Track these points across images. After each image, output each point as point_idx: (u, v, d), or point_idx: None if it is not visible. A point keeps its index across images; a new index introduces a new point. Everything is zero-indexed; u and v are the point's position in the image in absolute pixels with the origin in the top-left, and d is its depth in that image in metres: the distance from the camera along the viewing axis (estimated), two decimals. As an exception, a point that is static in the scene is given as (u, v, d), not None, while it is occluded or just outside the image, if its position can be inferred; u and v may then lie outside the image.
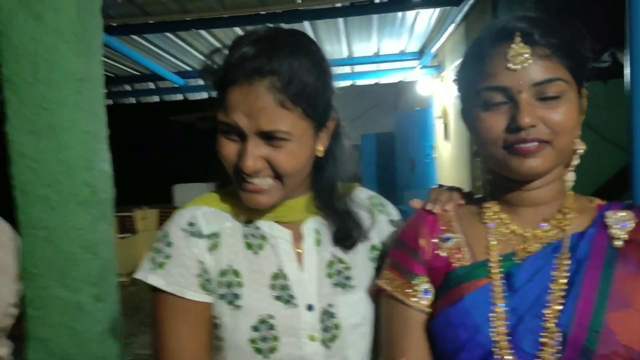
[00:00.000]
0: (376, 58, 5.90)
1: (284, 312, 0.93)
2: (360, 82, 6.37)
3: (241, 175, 0.91)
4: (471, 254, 0.90)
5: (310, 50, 0.92)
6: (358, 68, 6.21)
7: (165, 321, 0.92)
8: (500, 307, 0.83)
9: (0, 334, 1.39)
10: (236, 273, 0.94)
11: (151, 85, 6.49)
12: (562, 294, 0.81)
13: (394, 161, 7.23)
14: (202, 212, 0.97)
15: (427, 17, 4.56)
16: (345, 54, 5.61)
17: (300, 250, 0.99)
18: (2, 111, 1.78)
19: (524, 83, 0.82)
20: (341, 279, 0.99)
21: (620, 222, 0.85)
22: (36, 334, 1.83)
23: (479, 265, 0.88)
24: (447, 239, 0.93)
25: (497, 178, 0.92)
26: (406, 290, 0.92)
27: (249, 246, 0.97)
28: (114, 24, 3.91)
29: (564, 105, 0.83)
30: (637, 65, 1.36)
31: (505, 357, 0.81)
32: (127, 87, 6.48)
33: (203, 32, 4.49)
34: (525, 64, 0.82)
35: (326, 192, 1.01)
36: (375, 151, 7.96)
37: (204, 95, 6.63)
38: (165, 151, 10.65)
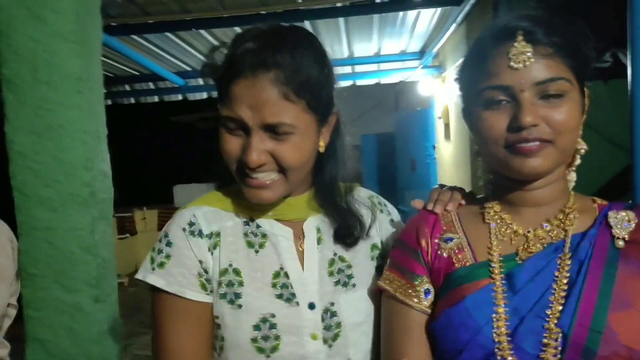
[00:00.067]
0: (377, 58, 5.90)
1: (286, 310, 0.93)
2: (360, 82, 6.36)
3: (244, 170, 0.90)
4: (472, 254, 0.90)
5: (312, 45, 0.92)
6: (359, 68, 6.21)
7: (165, 321, 0.91)
8: (502, 308, 0.83)
9: (-2, 334, 1.39)
10: (237, 272, 0.94)
11: (151, 86, 6.48)
12: (564, 294, 0.81)
13: (395, 161, 7.23)
14: (202, 211, 0.96)
15: (428, 17, 4.56)
16: (346, 54, 5.61)
17: (301, 249, 0.99)
18: (2, 111, 1.78)
19: (526, 82, 0.81)
20: (343, 278, 0.99)
21: (622, 223, 0.85)
22: (35, 335, 1.83)
23: (480, 266, 0.88)
24: (449, 239, 0.93)
25: (499, 178, 0.92)
26: (407, 291, 0.91)
27: (250, 245, 0.97)
28: (113, 24, 3.91)
29: (566, 104, 0.82)
30: (639, 65, 1.36)
31: (507, 357, 0.80)
32: (127, 87, 6.48)
33: (203, 32, 4.48)
34: (527, 63, 0.81)
35: (327, 189, 1.01)
36: (375, 151, 7.97)
37: (204, 95, 6.62)
38: (165, 151, 10.65)
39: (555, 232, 0.87)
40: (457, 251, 0.91)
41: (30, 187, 1.79)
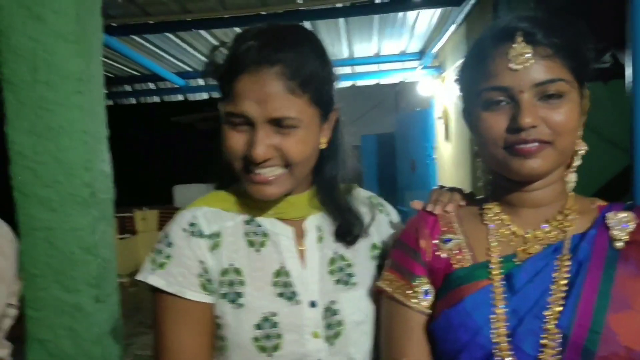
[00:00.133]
0: (377, 58, 5.90)
1: (287, 309, 0.93)
2: (360, 82, 6.36)
3: (248, 167, 0.91)
4: (472, 255, 0.90)
5: (313, 41, 0.94)
6: (359, 68, 6.21)
7: (166, 322, 0.92)
8: (501, 309, 0.83)
9: (-1, 334, 1.38)
10: (238, 271, 0.94)
11: (151, 86, 6.48)
12: (563, 295, 0.81)
13: (395, 162, 7.23)
14: (202, 212, 0.97)
15: (427, 17, 4.56)
16: (346, 54, 5.61)
17: (302, 247, 0.99)
18: (2, 112, 1.78)
19: (525, 83, 0.81)
20: (343, 276, 0.99)
21: (621, 224, 0.85)
22: (36, 335, 1.83)
23: (480, 267, 0.88)
24: (448, 240, 0.93)
25: (498, 179, 0.92)
26: (406, 292, 0.91)
27: (251, 244, 0.97)
28: (114, 24, 3.91)
29: (565, 105, 0.82)
30: (639, 66, 1.36)
31: (506, 358, 0.80)
32: (127, 88, 6.48)
33: (203, 33, 4.48)
34: (526, 64, 0.81)
35: (328, 187, 1.02)
36: (375, 152, 7.97)
37: (204, 96, 6.63)
38: (166, 152, 10.67)
39: (554, 233, 0.87)
40: (456, 252, 0.91)
41: (31, 188, 1.79)
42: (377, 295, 0.99)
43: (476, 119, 0.88)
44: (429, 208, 0.98)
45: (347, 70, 6.16)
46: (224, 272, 0.93)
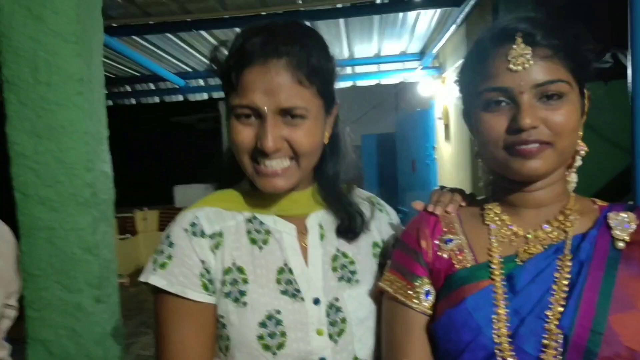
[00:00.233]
0: (377, 59, 5.90)
1: (291, 306, 0.93)
2: (361, 83, 6.35)
3: (256, 160, 0.92)
4: (473, 256, 0.90)
5: (316, 35, 0.96)
6: (359, 69, 6.21)
7: (168, 323, 0.91)
8: (502, 309, 0.83)
9: (-2, 335, 1.38)
10: (240, 270, 0.94)
11: (151, 86, 6.48)
12: (564, 295, 0.81)
13: (395, 162, 7.23)
14: (204, 212, 0.97)
15: (428, 18, 4.56)
16: (346, 54, 5.61)
17: (304, 245, 0.99)
18: (3, 112, 1.78)
19: (525, 84, 0.81)
20: (346, 274, 1.00)
21: (622, 224, 0.85)
22: (36, 335, 1.84)
23: (481, 267, 0.88)
24: (449, 241, 0.93)
25: (499, 179, 0.92)
26: (408, 292, 0.91)
27: (254, 242, 0.97)
28: (114, 25, 3.91)
29: (565, 106, 0.82)
30: (639, 66, 1.36)
31: (507, 358, 0.80)
32: (128, 88, 6.48)
33: (204, 33, 4.48)
34: (526, 65, 0.81)
35: (330, 182, 1.03)
36: (376, 152, 7.97)
37: (204, 96, 6.62)
38: (166, 152, 10.67)
39: (555, 233, 0.87)
40: (457, 252, 0.91)
41: (32, 188, 1.79)
42: (379, 294, 0.99)
43: (476, 119, 0.88)
44: (430, 208, 0.98)
45: (347, 70, 6.15)
46: (227, 271, 0.93)
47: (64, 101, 1.77)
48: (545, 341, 0.79)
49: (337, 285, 0.98)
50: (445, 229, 0.95)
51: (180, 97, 6.58)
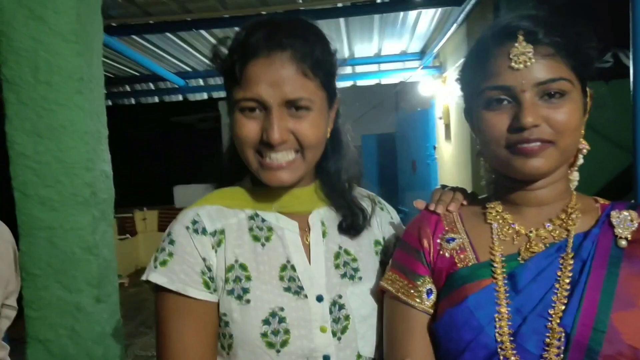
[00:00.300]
0: (377, 58, 5.89)
1: (294, 303, 0.93)
2: (361, 82, 6.35)
3: (261, 154, 0.92)
4: (474, 255, 0.90)
5: (317, 30, 0.97)
6: (359, 68, 6.20)
7: (168, 320, 0.91)
8: (504, 308, 0.83)
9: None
10: (243, 267, 0.94)
11: (151, 86, 6.48)
12: (566, 294, 0.81)
13: (395, 162, 7.23)
14: (205, 210, 0.97)
15: (428, 17, 4.55)
16: (346, 54, 5.61)
17: (307, 242, 0.99)
18: (3, 112, 1.78)
19: (526, 82, 0.81)
20: (349, 271, 1.00)
21: (625, 222, 0.85)
22: (36, 335, 1.83)
23: (483, 266, 0.88)
24: (451, 240, 0.93)
25: (501, 178, 0.92)
26: (410, 291, 0.91)
27: (256, 239, 0.97)
28: (114, 24, 3.91)
29: (567, 105, 0.82)
30: (640, 65, 1.36)
31: (509, 357, 0.80)
32: (127, 88, 6.47)
33: (204, 33, 4.48)
34: (528, 63, 0.81)
35: (332, 178, 1.03)
36: (376, 152, 7.97)
37: (204, 96, 6.62)
38: (165, 152, 10.66)
39: (557, 231, 0.87)
40: (459, 251, 0.91)
41: (31, 188, 1.79)
42: (380, 293, 0.98)
43: (478, 118, 0.88)
44: (432, 207, 0.98)
45: (347, 70, 6.15)
46: (230, 269, 0.93)
47: (64, 101, 1.77)
48: (547, 340, 0.79)
49: (340, 282, 0.98)
50: (447, 228, 0.94)
51: (180, 97, 6.58)
